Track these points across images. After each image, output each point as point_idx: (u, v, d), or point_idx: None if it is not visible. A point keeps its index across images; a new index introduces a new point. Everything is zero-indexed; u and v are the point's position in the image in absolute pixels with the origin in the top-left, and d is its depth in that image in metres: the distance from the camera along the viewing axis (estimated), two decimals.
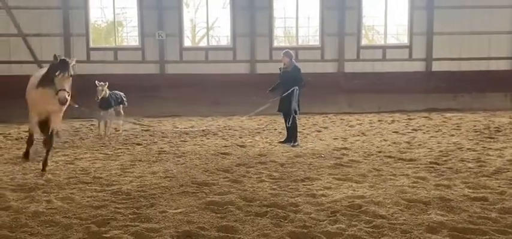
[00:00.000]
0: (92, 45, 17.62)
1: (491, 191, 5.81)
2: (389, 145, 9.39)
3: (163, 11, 17.38)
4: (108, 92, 10.85)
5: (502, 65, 17.84)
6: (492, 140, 9.79)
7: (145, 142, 10.31)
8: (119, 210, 5.20)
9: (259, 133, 11.58)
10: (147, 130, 12.19)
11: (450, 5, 17.40)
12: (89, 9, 17.56)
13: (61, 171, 7.25)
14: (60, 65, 6.76)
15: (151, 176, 6.87)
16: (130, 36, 18.61)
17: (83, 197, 5.76)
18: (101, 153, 8.91)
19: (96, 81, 10.67)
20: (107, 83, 10.81)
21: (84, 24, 17.39)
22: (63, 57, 6.98)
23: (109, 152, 8.97)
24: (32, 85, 7.42)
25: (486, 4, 17.39)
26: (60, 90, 6.63)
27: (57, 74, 6.68)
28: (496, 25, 17.56)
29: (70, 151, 9.13)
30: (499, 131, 10.89)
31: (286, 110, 9.76)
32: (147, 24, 17.49)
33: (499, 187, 6.03)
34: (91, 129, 12.61)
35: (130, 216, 5.00)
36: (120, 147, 9.60)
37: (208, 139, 10.68)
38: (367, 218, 4.86)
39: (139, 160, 8.12)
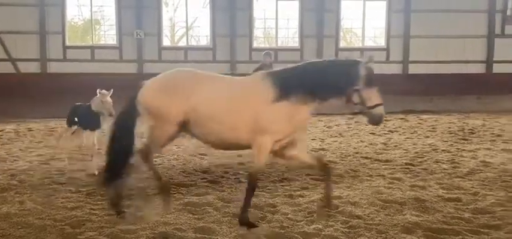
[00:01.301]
0: (68, 43, 17.31)
1: (464, 192, 5.94)
2: (366, 146, 9.49)
3: (142, 10, 17.24)
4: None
5: (476, 68, 18.30)
6: (466, 141, 9.99)
7: None
8: (94, 211, 5.13)
9: None
10: None
11: (427, 9, 17.74)
12: (65, 7, 17.26)
13: (35, 172, 7.10)
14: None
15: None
16: (108, 34, 18.37)
17: (57, 198, 5.65)
18: (77, 153, 8.75)
19: (98, 90, 7.23)
20: (111, 91, 7.34)
21: (60, 22, 17.08)
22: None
23: (85, 153, 8.81)
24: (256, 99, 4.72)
25: (461, 8, 17.80)
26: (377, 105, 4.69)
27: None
28: (471, 29, 18.00)
29: (45, 151, 8.95)
30: (473, 133, 11.13)
31: None
32: (125, 23, 17.31)
33: (472, 187, 6.16)
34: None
35: (105, 217, 4.93)
36: (98, 147, 9.44)
37: (185, 139, 10.60)
38: (344, 218, 4.90)
39: None
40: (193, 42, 18.97)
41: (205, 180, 6.62)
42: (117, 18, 17.32)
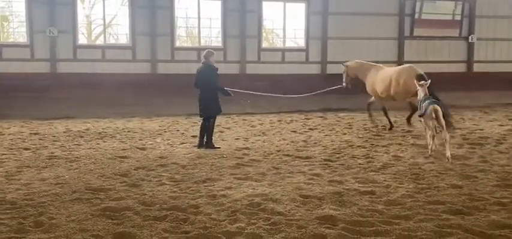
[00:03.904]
0: None
1: (378, 185, 6.29)
2: (287, 144, 9.73)
3: (55, 6, 16.28)
4: None
5: None
6: (379, 137, 10.60)
7: (34, 146, 9.55)
8: (2, 221, 4.76)
9: (160, 134, 11.33)
10: (36, 133, 11.31)
11: (343, 12, 18.58)
12: None
13: None
14: None
15: (40, 183, 6.38)
16: (17, 32, 17.13)
17: None
18: None
19: None
20: None
21: None
22: None
23: None
24: None
25: (375, 12, 18.87)
26: None
27: None
28: (384, 31, 19.17)
29: None
30: (386, 129, 11.82)
31: (216, 111, 9.49)
32: (37, 20, 16.24)
33: (385, 181, 6.55)
34: None
35: (15, 227, 4.60)
36: (5, 152, 8.79)
37: (105, 142, 10.20)
38: (266, 215, 4.99)
39: (27, 166, 7.50)
40: (112, 41, 18.28)
41: (125, 184, 6.40)
42: (28, 14, 16.21)
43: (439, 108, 8.09)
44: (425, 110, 8.18)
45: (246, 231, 4.52)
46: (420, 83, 8.75)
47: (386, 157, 8.24)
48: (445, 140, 7.92)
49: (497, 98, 18.68)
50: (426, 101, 8.28)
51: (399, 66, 12.49)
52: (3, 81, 15.14)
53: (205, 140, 9.36)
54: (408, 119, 11.88)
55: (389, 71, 11.74)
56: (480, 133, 11.11)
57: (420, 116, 8.59)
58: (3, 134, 11.13)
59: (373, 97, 12.25)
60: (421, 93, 8.63)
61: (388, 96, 11.60)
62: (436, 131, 8.33)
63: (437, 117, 8.08)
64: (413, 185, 6.26)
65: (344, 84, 12.79)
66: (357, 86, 12.65)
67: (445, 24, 19.89)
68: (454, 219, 4.86)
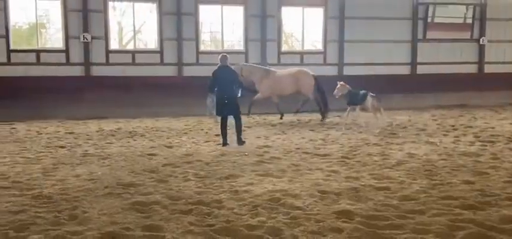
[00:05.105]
0: (12, 47, 16.27)
1: (392, 181, 6.18)
2: (306, 142, 9.66)
3: (89, 14, 16.53)
4: None
5: (402, 70, 19.20)
6: (394, 136, 10.43)
7: (69, 144, 9.72)
8: (39, 214, 4.84)
9: (186, 133, 11.39)
10: (71, 132, 11.51)
11: (359, 16, 18.36)
12: (8, 11, 16.21)
13: None
14: None
15: (75, 178, 6.48)
16: (54, 38, 17.43)
17: (1, 202, 5.29)
18: (21, 157, 8.26)
19: None
20: None
21: (3, 26, 16.02)
22: None
23: (30, 156, 8.34)
24: None
25: (389, 16, 18.60)
26: None
27: None
28: (397, 34, 18.87)
29: None
30: (400, 128, 11.64)
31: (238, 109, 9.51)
32: (72, 26, 16.52)
33: (400, 177, 6.43)
34: (12, 132, 11.66)
35: (51, 220, 4.67)
36: (42, 150, 8.97)
37: (135, 140, 10.31)
38: (285, 210, 4.94)
39: (63, 163, 7.63)
40: (141, 46, 18.45)
41: (153, 179, 6.45)
42: (63, 21, 16.50)
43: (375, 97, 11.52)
44: (364, 99, 11.55)
45: (266, 225, 4.49)
46: (341, 83, 12.03)
47: (401, 154, 8.10)
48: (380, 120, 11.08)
49: (508, 97, 18.25)
50: (361, 92, 11.70)
51: (293, 69, 14.70)
52: (42, 84, 15.40)
53: (231, 138, 9.36)
54: (323, 115, 13.87)
55: (285, 73, 14.21)
56: (491, 131, 10.84)
57: (355, 104, 11.87)
58: (41, 133, 11.39)
59: (260, 95, 14.09)
60: (343, 90, 11.87)
61: (284, 94, 14.02)
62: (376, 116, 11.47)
63: (373, 105, 11.45)
64: (427, 181, 6.13)
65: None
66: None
67: (457, 27, 19.44)
68: (466, 214, 4.74)
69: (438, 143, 9.15)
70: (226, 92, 9.23)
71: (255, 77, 14.32)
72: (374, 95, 11.62)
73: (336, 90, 11.96)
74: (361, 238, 4.17)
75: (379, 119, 11.52)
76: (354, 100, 11.86)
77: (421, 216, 4.71)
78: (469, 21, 19.52)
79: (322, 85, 13.89)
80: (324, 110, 13.96)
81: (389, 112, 13.99)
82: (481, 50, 19.80)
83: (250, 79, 14.16)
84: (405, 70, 19.27)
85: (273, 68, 14.91)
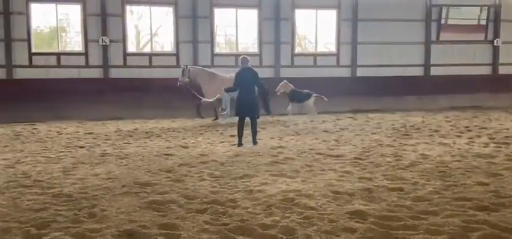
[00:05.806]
0: (34, 50, 16.58)
1: (406, 182, 6.11)
2: (319, 143, 9.62)
3: (107, 18, 16.75)
4: None
5: (415, 71, 18.98)
6: (407, 137, 10.32)
7: (88, 144, 9.85)
8: (59, 212, 4.92)
9: (201, 134, 11.45)
10: (90, 133, 11.66)
11: (372, 18, 18.23)
12: (30, 16, 16.52)
13: (0, 175, 6.75)
14: None
15: (94, 177, 6.57)
16: (74, 41, 17.71)
17: (22, 200, 5.39)
18: (42, 156, 8.40)
19: None
20: None
21: (25, 30, 16.34)
22: None
23: (51, 156, 8.48)
24: None
25: (402, 18, 18.42)
26: None
27: None
28: (411, 36, 18.68)
29: (11, 155, 8.53)
30: (414, 129, 11.51)
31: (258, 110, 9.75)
32: (91, 30, 16.77)
33: (413, 178, 6.36)
34: (33, 133, 11.87)
35: (71, 218, 4.74)
36: (63, 150, 9.11)
37: (151, 140, 10.40)
38: (299, 210, 4.93)
39: (82, 163, 7.74)
40: (158, 48, 18.61)
41: (169, 179, 6.49)
42: (82, 25, 16.76)
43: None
44: (307, 98, 13.53)
45: (280, 224, 4.49)
46: (284, 81, 13.68)
47: (414, 155, 8.00)
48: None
49: None
50: (305, 92, 13.68)
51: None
52: (61, 86, 15.67)
53: (246, 139, 9.39)
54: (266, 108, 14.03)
55: (228, 77, 13.11)
56: (506, 132, 10.65)
57: (298, 102, 13.71)
58: (61, 134, 11.57)
59: (206, 99, 13.94)
60: (286, 88, 13.58)
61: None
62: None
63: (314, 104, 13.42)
64: (441, 183, 6.05)
65: (179, 83, 14.13)
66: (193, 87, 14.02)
67: (471, 29, 19.14)
68: (480, 215, 4.66)
69: (452, 145, 9.04)
70: (250, 93, 9.29)
71: (202, 80, 14.24)
72: (318, 95, 13.38)
73: (278, 87, 13.51)
74: (374, 238, 4.14)
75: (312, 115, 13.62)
76: (297, 98, 13.68)
77: (435, 217, 4.65)
78: (483, 22, 19.21)
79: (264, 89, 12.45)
80: (266, 114, 14.04)
81: (403, 114, 13.80)
82: (495, 51, 19.48)
83: (196, 82, 14.17)
84: (419, 72, 19.06)
85: (219, 72, 14.71)
